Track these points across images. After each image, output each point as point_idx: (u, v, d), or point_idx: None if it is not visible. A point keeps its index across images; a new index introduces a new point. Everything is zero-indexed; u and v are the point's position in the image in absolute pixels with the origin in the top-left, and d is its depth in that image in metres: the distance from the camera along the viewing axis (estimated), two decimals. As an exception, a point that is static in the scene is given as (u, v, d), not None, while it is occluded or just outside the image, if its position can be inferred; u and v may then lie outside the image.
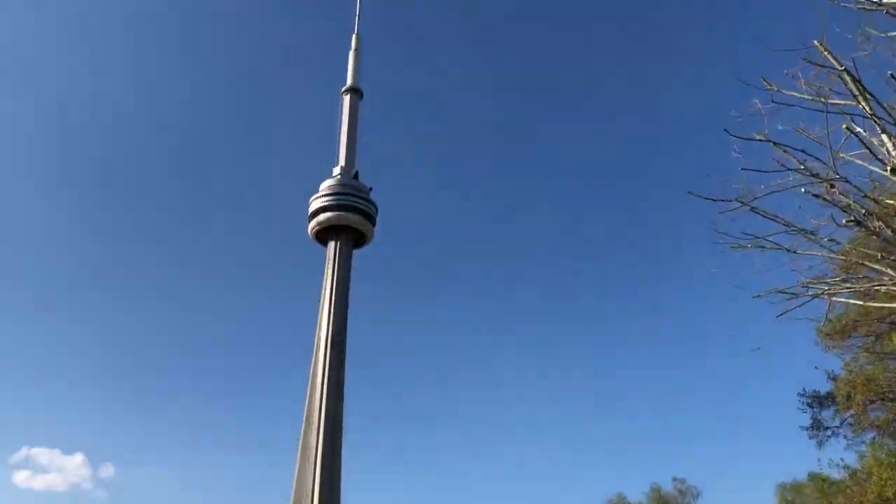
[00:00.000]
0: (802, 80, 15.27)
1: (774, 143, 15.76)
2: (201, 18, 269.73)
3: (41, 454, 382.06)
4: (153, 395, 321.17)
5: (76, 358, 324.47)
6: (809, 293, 16.96)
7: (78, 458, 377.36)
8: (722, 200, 16.52)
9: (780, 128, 15.93)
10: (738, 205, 16.42)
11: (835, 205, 15.41)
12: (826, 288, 16.95)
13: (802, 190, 15.70)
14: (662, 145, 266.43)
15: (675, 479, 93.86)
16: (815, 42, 14.70)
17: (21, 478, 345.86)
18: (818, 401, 44.58)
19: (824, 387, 43.24)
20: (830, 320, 34.01)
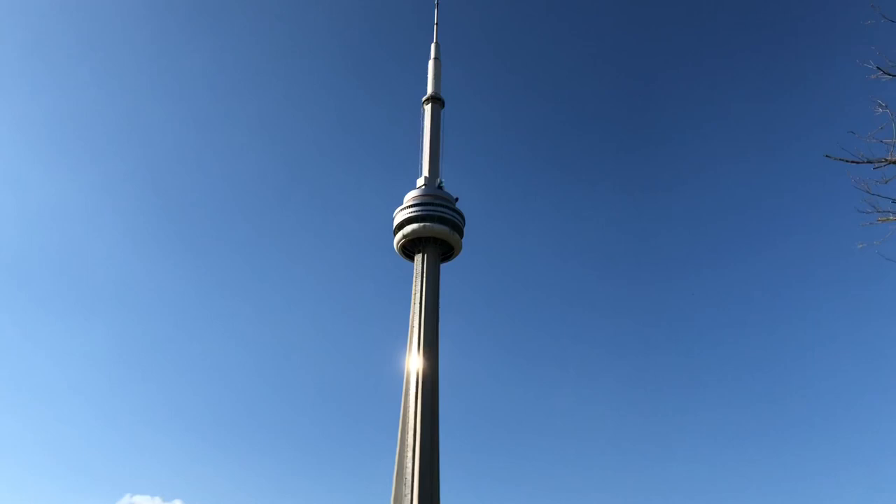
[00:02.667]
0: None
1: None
2: (282, 30, 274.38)
3: (143, 501, 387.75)
4: (246, 443, 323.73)
5: (174, 408, 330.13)
6: None
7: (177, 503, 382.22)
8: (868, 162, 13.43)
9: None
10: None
11: None
12: None
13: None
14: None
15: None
16: None
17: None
18: None
19: None
20: None
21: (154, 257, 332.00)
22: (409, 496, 23.74)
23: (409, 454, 24.60)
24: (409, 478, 24.43)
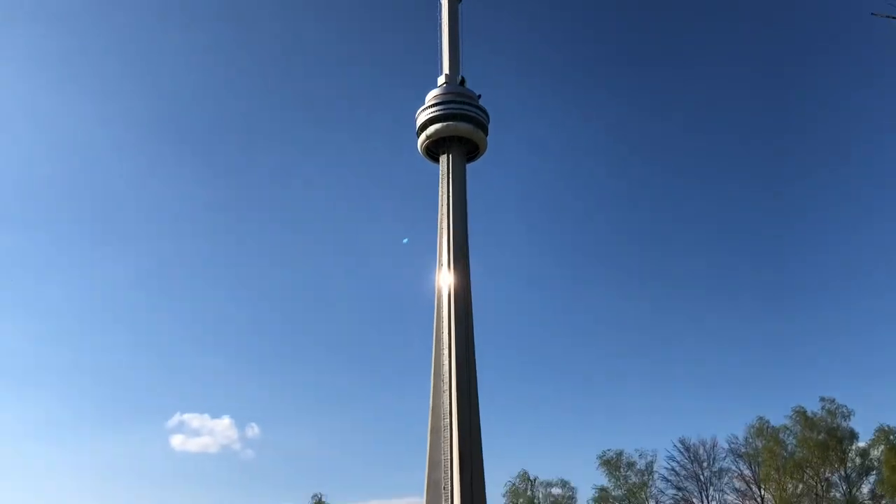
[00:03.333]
0: None
1: None
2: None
3: (193, 419, 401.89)
4: (286, 359, 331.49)
5: (215, 328, 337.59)
6: None
7: (225, 421, 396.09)
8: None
9: None
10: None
11: None
12: None
13: None
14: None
15: (822, 399, 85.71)
16: None
17: (177, 441, 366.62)
18: None
19: None
20: None
21: (180, 182, 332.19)
22: (447, 392, 23.79)
23: (445, 352, 24.59)
24: (447, 374, 24.51)
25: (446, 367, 25.18)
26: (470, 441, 23.36)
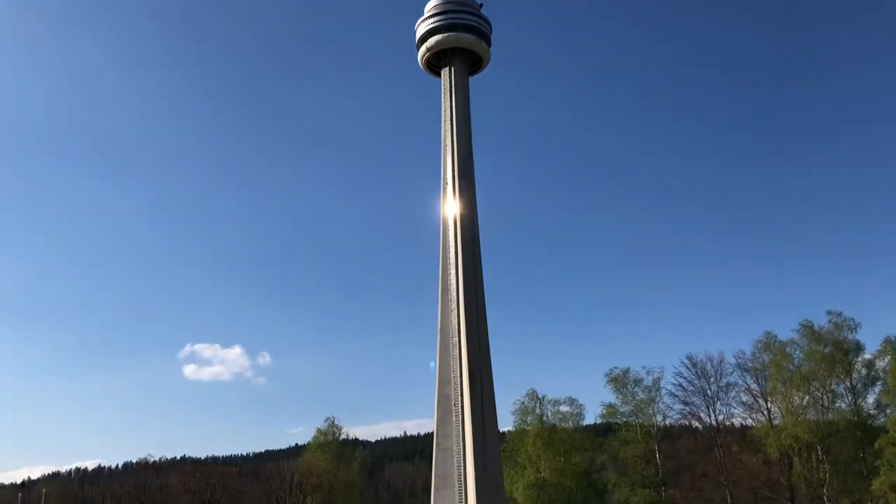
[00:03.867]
0: None
1: None
2: None
3: (204, 349, 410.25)
4: (294, 291, 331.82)
5: (224, 261, 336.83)
6: None
7: (236, 350, 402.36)
8: None
9: None
10: None
11: None
12: None
13: None
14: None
15: (829, 313, 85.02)
16: None
17: (190, 371, 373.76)
18: None
19: None
20: None
21: (187, 115, 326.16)
22: (454, 311, 23.26)
23: (452, 270, 23.82)
24: (455, 292, 23.87)
25: (453, 285, 24.45)
26: (479, 358, 22.78)
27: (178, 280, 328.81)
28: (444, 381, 22.70)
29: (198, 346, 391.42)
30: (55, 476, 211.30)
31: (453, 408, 22.13)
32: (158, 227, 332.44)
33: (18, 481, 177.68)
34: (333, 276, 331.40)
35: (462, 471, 21.22)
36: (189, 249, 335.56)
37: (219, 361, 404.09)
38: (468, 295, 25.69)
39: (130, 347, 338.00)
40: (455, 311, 23.49)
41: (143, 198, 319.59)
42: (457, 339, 22.67)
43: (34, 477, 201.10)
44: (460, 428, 21.45)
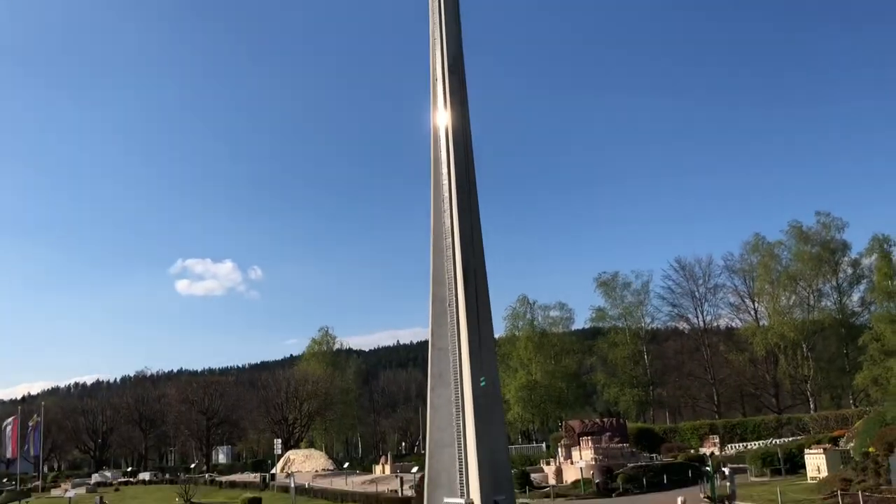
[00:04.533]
0: None
1: None
2: None
3: (195, 264, 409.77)
4: (289, 202, 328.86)
5: (213, 175, 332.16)
6: None
7: (228, 264, 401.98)
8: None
9: None
10: None
11: None
12: None
13: None
14: None
15: (817, 213, 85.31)
16: None
17: (182, 286, 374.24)
18: None
19: None
20: None
21: (171, 22, 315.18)
22: (447, 211, 23.08)
23: (444, 170, 23.58)
24: (447, 193, 23.66)
25: (445, 185, 24.21)
26: (473, 256, 22.82)
27: (164, 194, 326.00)
28: (437, 281, 22.76)
29: (189, 262, 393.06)
30: (54, 391, 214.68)
31: (448, 308, 22.29)
32: (143, 138, 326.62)
33: (18, 397, 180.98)
34: (322, 186, 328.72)
35: (458, 368, 21.60)
36: (172, 162, 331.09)
37: (210, 276, 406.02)
38: (461, 195, 25.72)
39: (121, 264, 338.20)
40: (448, 212, 23.40)
41: (121, 108, 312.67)
42: (450, 239, 22.58)
43: (34, 393, 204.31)
44: (455, 327, 21.71)
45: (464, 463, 23.10)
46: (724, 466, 34.15)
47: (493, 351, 25.89)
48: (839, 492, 24.04)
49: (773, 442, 55.75)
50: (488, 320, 25.35)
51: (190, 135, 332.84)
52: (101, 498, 42.93)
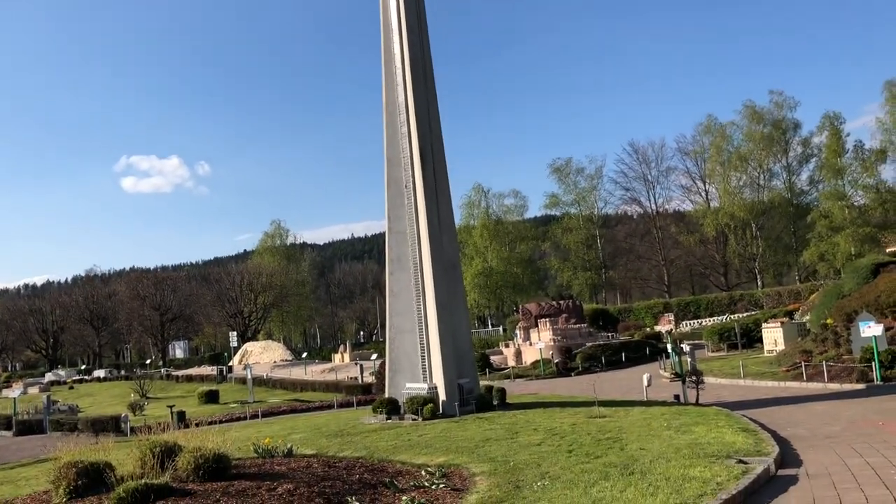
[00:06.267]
0: None
1: None
2: None
3: (140, 161, 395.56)
4: (233, 94, 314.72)
5: (161, 69, 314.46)
6: None
7: (174, 160, 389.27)
8: None
9: None
10: None
11: None
12: None
13: None
14: None
15: (771, 92, 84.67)
16: None
17: (128, 184, 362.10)
18: None
19: None
20: None
21: None
22: (401, 85, 21.23)
23: (395, 37, 21.44)
24: (399, 60, 21.76)
25: (397, 55, 22.21)
26: (430, 133, 21.34)
27: (101, 90, 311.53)
28: (392, 163, 21.28)
29: (133, 159, 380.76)
30: (3, 293, 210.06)
31: (404, 190, 20.90)
32: (73, 27, 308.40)
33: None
34: (266, 72, 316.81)
35: (417, 251, 20.45)
36: (110, 55, 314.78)
37: (156, 173, 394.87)
38: (415, 65, 24.02)
39: (62, 163, 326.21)
40: (402, 85, 21.80)
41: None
42: (405, 115, 20.99)
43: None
44: (413, 209, 20.34)
45: (426, 348, 22.48)
46: (682, 343, 34.44)
47: (453, 232, 24.89)
48: (802, 363, 24.14)
49: (728, 318, 56.93)
50: (448, 202, 24.20)
51: (132, 24, 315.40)
52: (49, 396, 41.94)
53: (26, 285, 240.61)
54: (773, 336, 34.53)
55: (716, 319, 59.67)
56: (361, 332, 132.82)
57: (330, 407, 32.83)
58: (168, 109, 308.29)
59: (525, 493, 10.65)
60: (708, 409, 18.94)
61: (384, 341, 23.56)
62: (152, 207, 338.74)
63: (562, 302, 58.63)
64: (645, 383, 23.15)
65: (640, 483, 10.46)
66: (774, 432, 14.96)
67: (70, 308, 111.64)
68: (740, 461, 11.75)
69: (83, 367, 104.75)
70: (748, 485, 10.22)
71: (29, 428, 34.27)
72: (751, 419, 16.87)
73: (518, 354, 48.69)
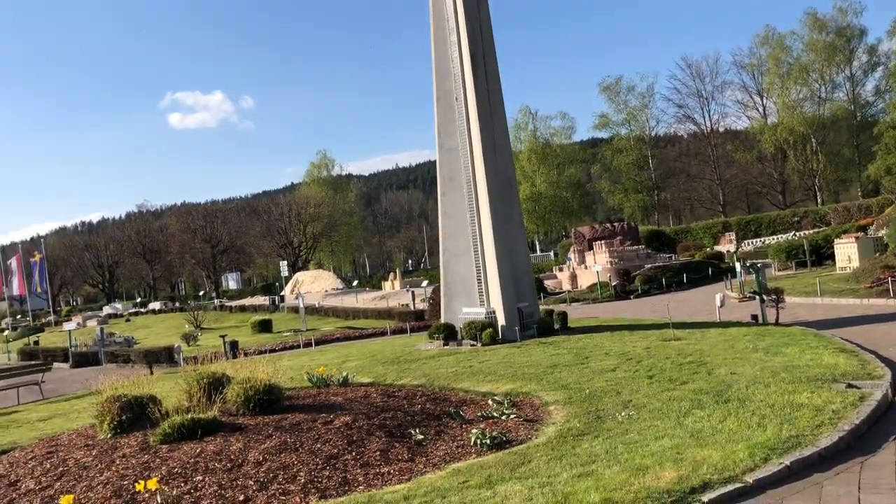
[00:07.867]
0: None
1: None
2: None
3: (185, 97, 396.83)
4: (276, 28, 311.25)
5: (202, 9, 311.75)
6: None
7: (218, 95, 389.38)
8: None
9: None
10: None
11: None
12: None
13: None
14: None
15: (836, -2, 79.26)
16: None
17: (175, 120, 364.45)
18: None
19: None
20: None
21: None
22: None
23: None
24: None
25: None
26: (481, 37, 19.86)
27: (144, 26, 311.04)
28: (442, 74, 19.91)
29: (178, 95, 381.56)
30: (61, 231, 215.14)
31: (455, 103, 19.54)
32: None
33: (28, 238, 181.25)
34: (313, 9, 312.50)
35: (470, 167, 19.17)
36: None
37: (202, 108, 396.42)
38: None
39: (108, 102, 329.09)
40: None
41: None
42: (454, 22, 19.45)
43: (42, 234, 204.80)
44: (465, 121, 18.92)
45: (482, 271, 21.32)
46: (747, 261, 32.71)
47: (508, 147, 23.36)
48: (889, 278, 22.39)
49: (795, 235, 54.47)
50: (501, 112, 22.58)
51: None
52: (104, 328, 42.26)
53: (83, 223, 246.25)
54: (847, 252, 32.55)
55: (780, 237, 57.22)
56: (410, 261, 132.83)
57: (383, 334, 32.20)
58: (209, 42, 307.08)
59: (609, 425, 9.52)
60: (792, 328, 17.52)
61: (433, 268, 22.62)
62: (200, 143, 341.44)
63: (616, 224, 56.82)
64: (718, 303, 21.76)
65: (741, 412, 9.22)
66: (875, 353, 13.53)
67: (123, 243, 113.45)
68: (850, 385, 10.42)
69: (139, 300, 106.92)
70: (870, 413, 8.90)
71: (85, 360, 34.49)
72: (843, 339, 15.43)
73: (573, 278, 47.43)
